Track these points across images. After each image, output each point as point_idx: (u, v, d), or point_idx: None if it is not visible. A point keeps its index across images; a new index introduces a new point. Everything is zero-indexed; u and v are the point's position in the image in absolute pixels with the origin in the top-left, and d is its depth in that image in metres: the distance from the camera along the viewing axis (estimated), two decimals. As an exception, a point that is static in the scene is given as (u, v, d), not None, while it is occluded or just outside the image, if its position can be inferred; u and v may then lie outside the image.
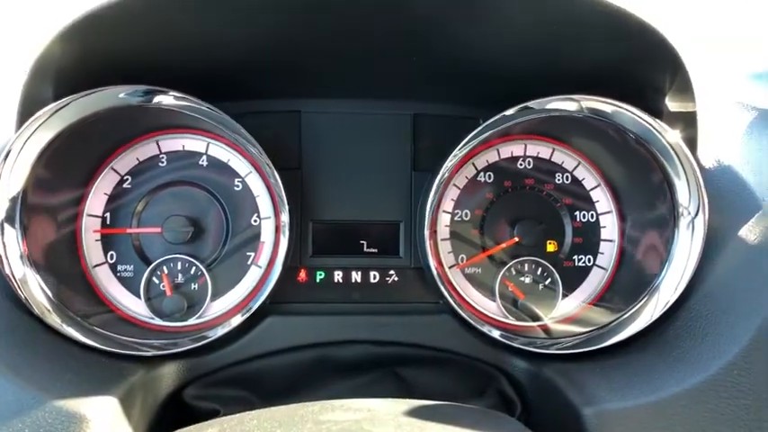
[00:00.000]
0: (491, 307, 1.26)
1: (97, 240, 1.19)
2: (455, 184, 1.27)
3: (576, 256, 1.28)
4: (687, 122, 1.11)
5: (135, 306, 1.19)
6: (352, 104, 1.27)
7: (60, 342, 1.02)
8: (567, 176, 1.29)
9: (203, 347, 1.10)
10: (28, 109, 1.01)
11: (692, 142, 1.12)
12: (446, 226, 1.26)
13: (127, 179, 1.21)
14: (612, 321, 1.14)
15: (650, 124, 1.10)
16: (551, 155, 1.29)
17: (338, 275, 1.25)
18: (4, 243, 1.01)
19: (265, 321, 1.16)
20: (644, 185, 1.20)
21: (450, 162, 1.15)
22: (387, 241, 1.26)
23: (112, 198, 1.20)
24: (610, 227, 1.28)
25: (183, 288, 1.19)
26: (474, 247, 1.27)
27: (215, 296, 1.20)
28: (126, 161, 1.21)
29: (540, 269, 1.26)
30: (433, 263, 1.16)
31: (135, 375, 1.00)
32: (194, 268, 1.19)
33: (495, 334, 1.14)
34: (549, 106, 1.12)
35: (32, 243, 1.05)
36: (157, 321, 1.18)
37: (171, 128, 1.21)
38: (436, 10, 0.98)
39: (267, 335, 1.16)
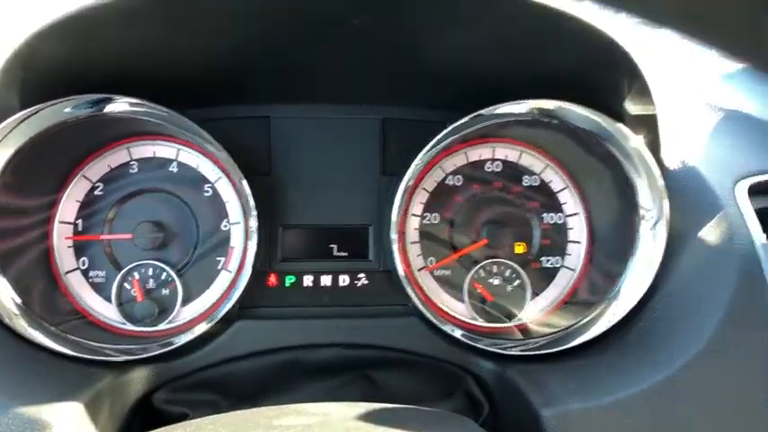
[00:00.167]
0: (460, 309, 1.27)
1: (69, 247, 1.21)
2: (424, 188, 1.28)
3: (544, 258, 1.29)
4: (648, 125, 1.12)
5: (107, 311, 1.20)
6: (321, 109, 1.27)
7: (27, 348, 1.03)
8: (535, 179, 1.30)
9: (173, 352, 1.11)
10: None
11: (654, 145, 1.13)
12: (415, 229, 1.27)
13: (98, 186, 1.22)
14: (577, 322, 1.15)
15: (601, 123, 1.11)
16: (519, 157, 1.30)
17: (308, 280, 1.26)
18: None
19: (235, 326, 1.17)
20: (610, 188, 1.21)
21: (415, 166, 1.16)
22: (356, 245, 1.27)
23: (84, 205, 1.21)
24: (577, 228, 1.30)
25: (154, 293, 1.21)
26: (443, 250, 1.28)
27: (186, 301, 1.21)
28: (97, 168, 1.22)
29: (508, 271, 1.27)
30: (401, 266, 1.17)
31: (103, 381, 1.01)
32: (165, 273, 1.20)
33: (458, 334, 1.15)
34: (499, 111, 1.13)
35: (1, 249, 1.06)
36: (129, 326, 1.19)
37: (142, 135, 1.22)
38: (404, 16, 0.99)
39: (237, 339, 1.17)
